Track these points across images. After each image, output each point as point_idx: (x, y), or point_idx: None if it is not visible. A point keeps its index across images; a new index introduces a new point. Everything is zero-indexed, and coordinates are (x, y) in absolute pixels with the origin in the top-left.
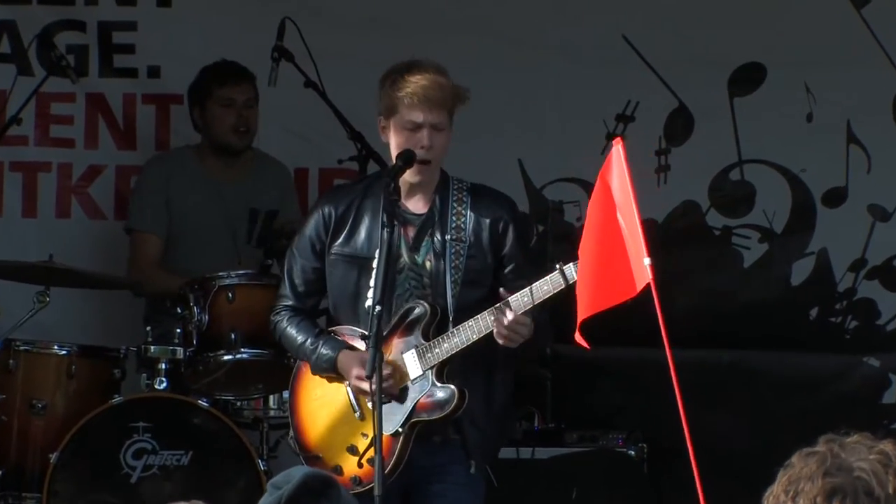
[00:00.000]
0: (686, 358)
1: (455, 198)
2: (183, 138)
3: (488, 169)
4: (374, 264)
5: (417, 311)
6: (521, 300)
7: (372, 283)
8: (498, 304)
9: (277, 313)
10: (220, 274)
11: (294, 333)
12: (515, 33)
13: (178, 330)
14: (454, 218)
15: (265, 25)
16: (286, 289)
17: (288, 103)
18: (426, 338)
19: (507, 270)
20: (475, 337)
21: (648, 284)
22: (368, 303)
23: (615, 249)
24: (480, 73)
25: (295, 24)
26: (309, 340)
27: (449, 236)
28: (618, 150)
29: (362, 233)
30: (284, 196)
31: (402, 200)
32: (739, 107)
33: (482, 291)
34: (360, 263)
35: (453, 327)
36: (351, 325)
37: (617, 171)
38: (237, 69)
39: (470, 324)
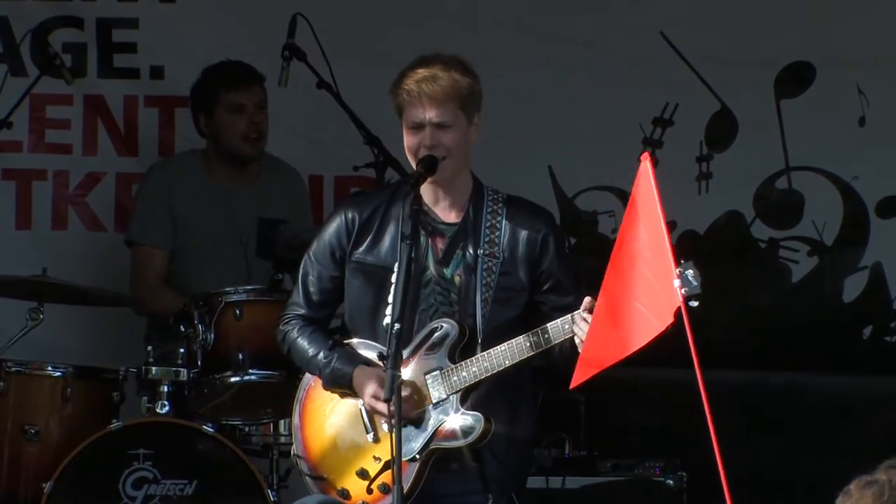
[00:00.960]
0: (730, 380)
1: (490, 209)
2: (189, 143)
3: (515, 176)
4: (394, 278)
5: (444, 329)
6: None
7: (391, 295)
8: (580, 311)
9: (287, 322)
10: (227, 289)
11: (305, 345)
12: (545, 30)
13: (182, 350)
14: (488, 231)
15: (275, 22)
16: (299, 296)
17: (300, 105)
18: (452, 359)
19: (545, 288)
20: (507, 363)
21: (679, 308)
22: (387, 320)
23: (643, 278)
24: (507, 72)
25: (307, 21)
26: (322, 353)
27: (482, 250)
28: (645, 166)
29: (386, 241)
30: (296, 203)
31: (432, 208)
32: (787, 109)
33: (514, 311)
34: (382, 274)
35: (482, 349)
36: (368, 340)
37: (644, 188)
38: (246, 71)
39: (503, 348)
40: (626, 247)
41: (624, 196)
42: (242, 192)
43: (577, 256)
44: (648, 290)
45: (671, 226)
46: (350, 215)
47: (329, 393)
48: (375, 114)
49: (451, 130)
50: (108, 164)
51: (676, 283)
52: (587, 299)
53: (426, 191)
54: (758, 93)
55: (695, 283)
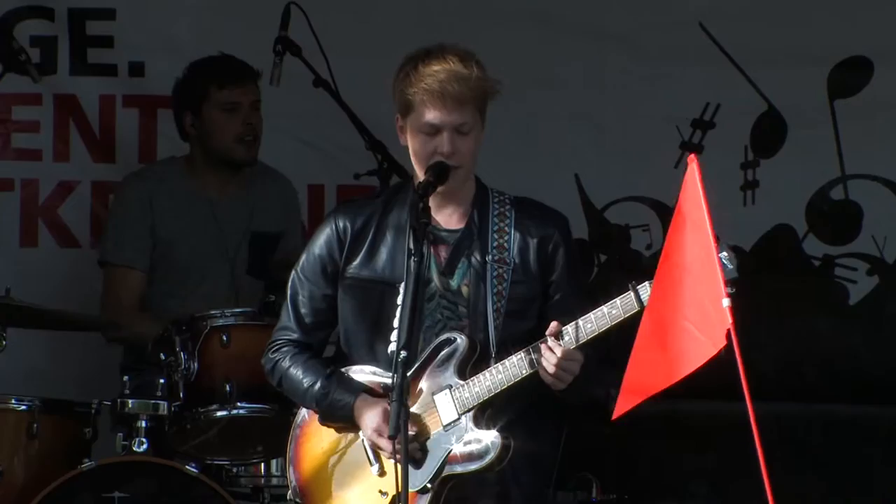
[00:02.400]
0: (780, 414)
1: (496, 212)
2: (172, 148)
3: (537, 186)
4: (399, 299)
5: (453, 344)
6: (580, 328)
7: (397, 319)
8: (548, 334)
9: (277, 349)
10: (213, 313)
11: (299, 374)
12: (569, 21)
13: (162, 380)
14: (496, 236)
15: (267, 13)
16: (290, 319)
17: (294, 106)
18: (462, 376)
19: (551, 302)
20: (524, 373)
21: (729, 331)
22: (392, 347)
23: (693, 295)
24: (527, 69)
25: (302, 11)
26: (319, 383)
27: (490, 257)
28: (692, 169)
29: (384, 253)
30: (291, 216)
31: (433, 215)
32: (842, 110)
33: (529, 323)
34: (382, 290)
35: (496, 363)
36: (369, 365)
37: (691, 193)
38: (239, 66)
39: (519, 357)
40: (672, 259)
41: (660, 207)
42: (231, 202)
43: (608, 275)
44: (699, 308)
45: None
46: (341, 224)
47: (327, 428)
48: (379, 115)
49: (470, 136)
50: (82, 172)
51: (726, 302)
52: (553, 324)
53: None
54: (809, 91)
55: (730, 267)
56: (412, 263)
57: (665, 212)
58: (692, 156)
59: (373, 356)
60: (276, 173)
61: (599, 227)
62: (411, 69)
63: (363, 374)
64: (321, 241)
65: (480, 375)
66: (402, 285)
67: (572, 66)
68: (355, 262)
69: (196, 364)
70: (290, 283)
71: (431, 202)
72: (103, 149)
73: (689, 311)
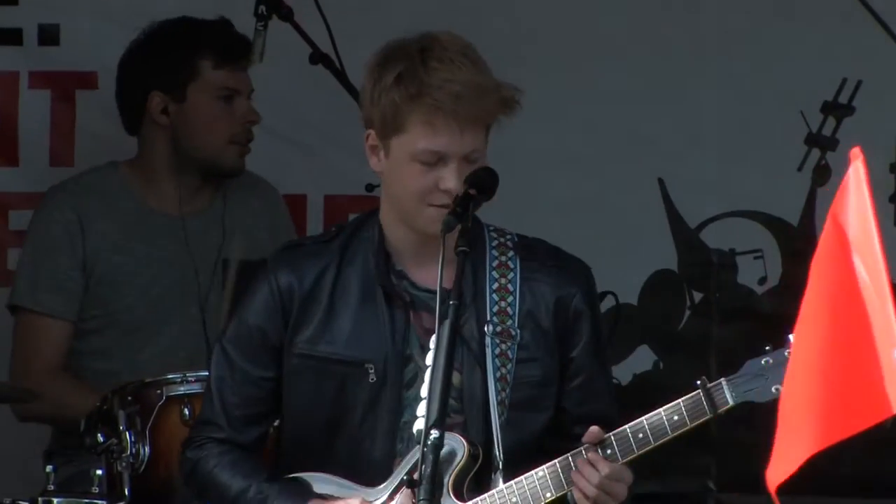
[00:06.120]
0: None
1: (495, 263)
2: (95, 146)
3: (608, 194)
4: (428, 360)
5: (447, 450)
6: (630, 438)
7: (425, 387)
8: (582, 447)
9: (199, 445)
10: (171, 377)
11: (225, 478)
12: None
13: (100, 471)
14: (495, 296)
15: None
16: (214, 410)
17: (282, 88)
18: (459, 496)
19: (570, 386)
20: (548, 497)
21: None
22: (418, 425)
23: (858, 336)
24: (591, 36)
25: None
26: (253, 488)
27: (490, 328)
28: (857, 167)
29: (346, 321)
30: (276, 233)
31: (409, 268)
32: None
33: (543, 416)
34: (344, 372)
35: (504, 478)
36: (324, 473)
37: (856, 201)
38: (241, 38)
39: (539, 475)
40: (837, 275)
41: (778, 226)
42: (198, 219)
43: (704, 321)
44: (866, 355)
45: None
46: (284, 283)
47: None
48: None
49: (476, 166)
50: None
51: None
52: (593, 430)
53: (398, 238)
54: None
55: None
56: (446, 309)
57: (785, 232)
58: (856, 150)
59: (331, 455)
60: (255, 177)
61: (693, 253)
62: (407, 70)
63: (317, 480)
64: (256, 305)
65: (486, 498)
66: (373, 366)
67: (653, 32)
68: (307, 334)
69: (147, 448)
70: (213, 362)
71: (405, 245)
72: (2, 147)
73: (840, 368)
